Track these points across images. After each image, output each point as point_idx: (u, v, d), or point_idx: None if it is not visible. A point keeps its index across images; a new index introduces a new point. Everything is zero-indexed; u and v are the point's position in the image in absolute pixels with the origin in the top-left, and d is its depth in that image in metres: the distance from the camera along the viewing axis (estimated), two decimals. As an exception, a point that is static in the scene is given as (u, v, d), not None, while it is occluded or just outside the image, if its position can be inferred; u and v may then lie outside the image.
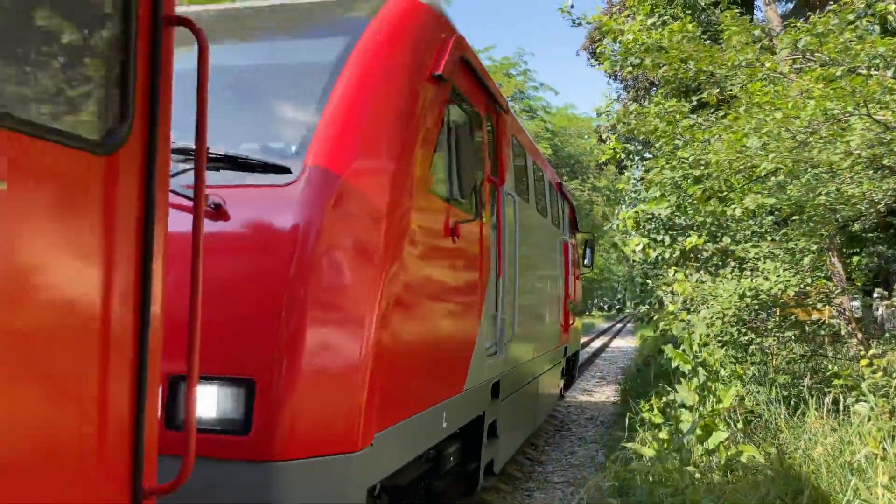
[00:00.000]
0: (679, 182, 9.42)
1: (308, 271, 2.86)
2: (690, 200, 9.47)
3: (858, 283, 11.54)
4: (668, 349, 7.42)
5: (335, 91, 3.29)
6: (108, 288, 1.75)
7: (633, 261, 10.82)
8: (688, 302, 9.02)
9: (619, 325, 44.08)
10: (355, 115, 3.28)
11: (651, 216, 10.60)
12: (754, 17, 16.52)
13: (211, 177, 2.57)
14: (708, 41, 8.89)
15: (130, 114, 1.81)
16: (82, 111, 1.80)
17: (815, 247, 9.06)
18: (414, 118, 3.56)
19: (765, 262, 8.85)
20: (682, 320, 8.62)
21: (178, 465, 1.91)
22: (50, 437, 1.59)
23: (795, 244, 9.02)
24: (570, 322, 9.86)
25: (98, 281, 1.72)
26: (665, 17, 11.29)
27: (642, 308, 10.17)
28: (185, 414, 2.04)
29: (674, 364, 7.31)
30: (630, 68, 10.21)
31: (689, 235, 9.96)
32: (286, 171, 3.06)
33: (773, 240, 9.62)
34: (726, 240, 9.62)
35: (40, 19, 1.65)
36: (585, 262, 11.95)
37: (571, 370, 11.23)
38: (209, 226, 2.82)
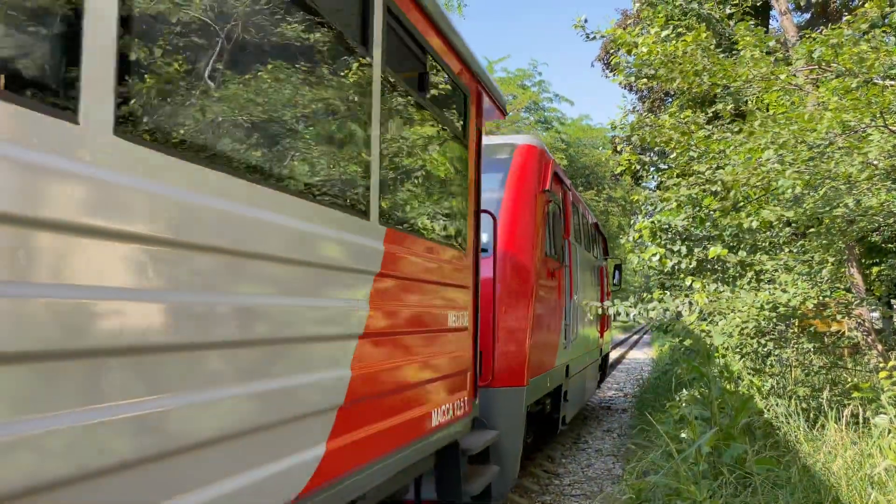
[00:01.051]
0: (695, 195, 9.40)
1: (499, 300, 6.01)
2: (707, 212, 9.45)
3: (878, 294, 11.45)
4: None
5: (501, 207, 6.42)
6: (473, 307, 5.01)
7: (651, 267, 10.80)
8: (704, 312, 8.98)
9: (635, 337, 43.78)
10: (512, 219, 6.44)
11: (667, 226, 10.56)
12: (770, 27, 16.48)
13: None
14: (722, 54, 8.89)
15: (466, 241, 4.88)
16: (463, 244, 4.78)
17: (832, 258, 8.99)
18: (536, 216, 6.65)
19: (782, 274, 8.79)
20: (703, 330, 8.58)
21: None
22: (463, 364, 4.77)
23: (813, 256, 8.96)
24: (605, 330, 13.04)
25: (470, 305, 4.92)
26: (679, 29, 11.29)
27: (652, 313, 10.09)
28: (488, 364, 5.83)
29: (687, 377, 7.29)
30: (644, 80, 10.22)
31: (707, 246, 9.92)
32: (486, 251, 5.85)
33: (790, 251, 9.56)
34: (742, 253, 9.57)
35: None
36: (614, 281, 14.88)
37: (604, 367, 14.07)
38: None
